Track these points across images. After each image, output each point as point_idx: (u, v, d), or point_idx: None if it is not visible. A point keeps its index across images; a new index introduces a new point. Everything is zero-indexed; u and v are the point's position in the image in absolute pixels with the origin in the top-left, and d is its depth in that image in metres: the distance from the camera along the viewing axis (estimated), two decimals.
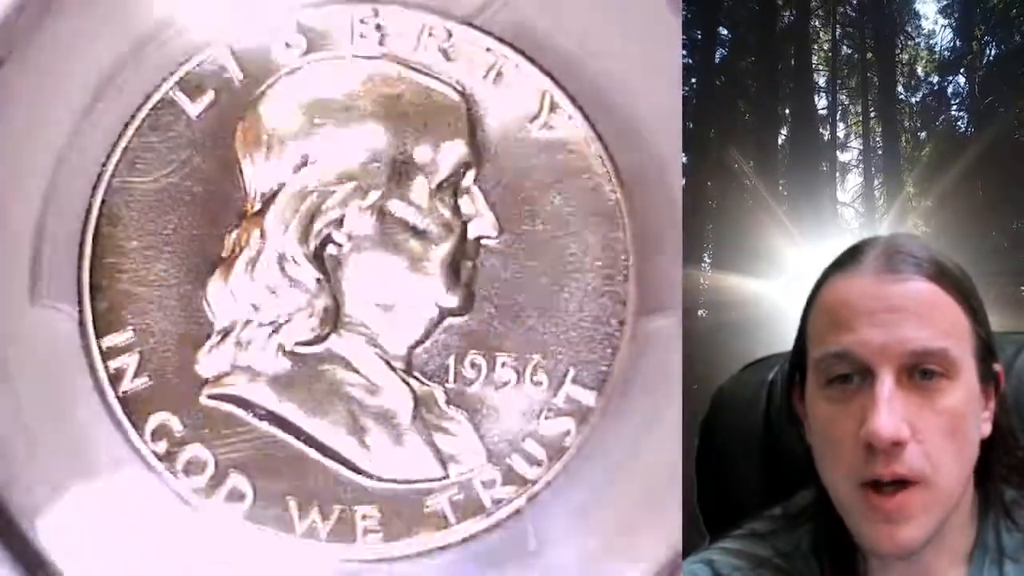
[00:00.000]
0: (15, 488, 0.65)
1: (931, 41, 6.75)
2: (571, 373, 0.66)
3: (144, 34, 0.56)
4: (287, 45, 0.58)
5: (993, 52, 6.48)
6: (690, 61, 6.08)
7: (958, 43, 6.61)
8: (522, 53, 0.57)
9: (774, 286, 5.26)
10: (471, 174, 0.63)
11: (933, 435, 0.77)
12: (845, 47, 7.04)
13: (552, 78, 0.57)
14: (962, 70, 6.61)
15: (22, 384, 0.64)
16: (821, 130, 6.85)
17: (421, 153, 0.62)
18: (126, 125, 0.59)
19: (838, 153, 6.97)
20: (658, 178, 0.58)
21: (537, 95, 0.58)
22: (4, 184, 0.59)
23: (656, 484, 0.64)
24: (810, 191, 6.33)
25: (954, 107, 6.68)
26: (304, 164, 0.65)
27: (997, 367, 0.84)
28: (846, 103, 7.10)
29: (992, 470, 0.84)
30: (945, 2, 6.63)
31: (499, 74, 0.58)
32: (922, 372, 0.78)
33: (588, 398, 0.67)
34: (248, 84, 0.60)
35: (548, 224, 0.64)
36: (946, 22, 6.65)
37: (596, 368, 0.66)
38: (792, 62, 6.65)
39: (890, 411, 0.76)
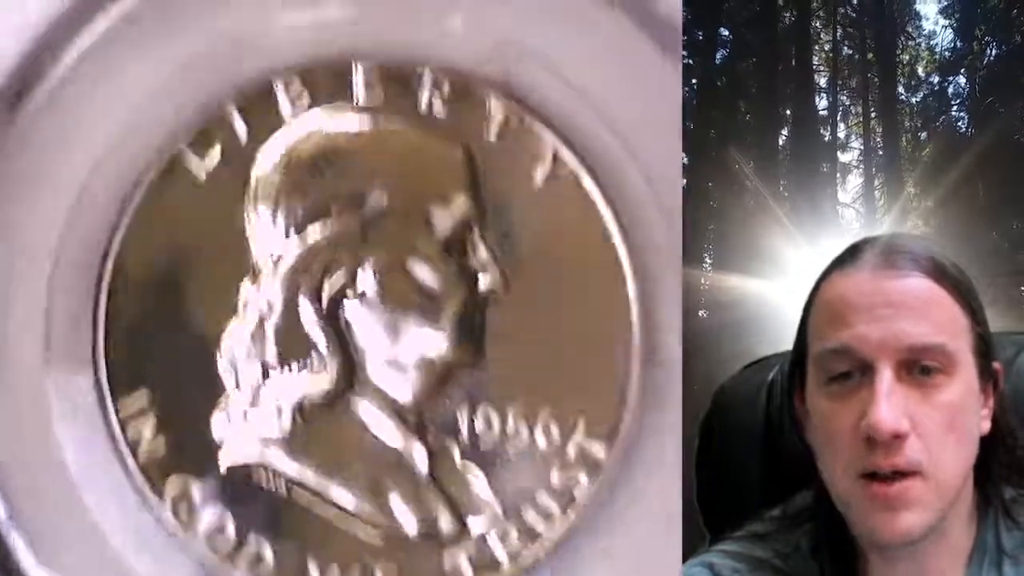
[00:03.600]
0: (28, 550, 0.65)
1: (932, 42, 6.75)
2: (581, 425, 0.67)
3: (156, 90, 0.56)
4: (291, 100, 0.58)
5: (994, 52, 6.48)
6: (690, 62, 6.08)
7: (959, 44, 6.61)
8: (524, 106, 0.57)
9: (775, 286, 5.26)
10: (476, 228, 0.63)
11: (932, 430, 0.78)
12: (846, 48, 7.04)
13: (555, 131, 0.57)
14: (963, 70, 6.61)
15: (36, 448, 0.64)
16: (822, 131, 6.85)
17: (426, 209, 0.63)
18: (136, 183, 0.59)
19: (839, 153, 6.97)
20: (661, 227, 0.58)
21: (540, 148, 0.58)
22: (14, 241, 0.59)
23: (657, 530, 0.64)
24: (811, 191, 6.33)
25: (955, 107, 6.68)
26: (310, 222, 0.65)
27: (996, 365, 0.84)
28: (847, 104, 7.10)
29: (992, 469, 0.84)
30: (946, 3, 6.63)
31: (501, 127, 0.58)
32: (921, 368, 0.79)
33: (599, 450, 0.67)
34: (253, 140, 0.60)
35: (554, 276, 0.64)
36: (947, 23, 6.66)
37: (605, 419, 0.66)
38: (793, 63, 6.65)
39: (890, 404, 0.76)
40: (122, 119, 0.56)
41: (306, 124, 0.60)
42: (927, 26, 6.77)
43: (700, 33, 6.18)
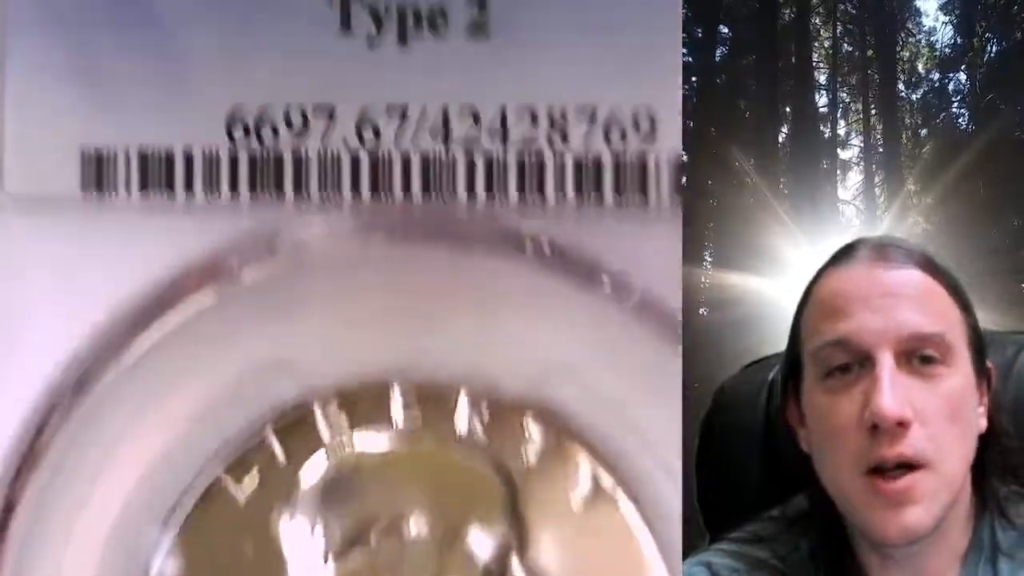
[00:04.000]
0: None
1: (932, 38, 6.77)
2: None
3: (197, 413, 0.56)
4: (329, 422, 0.58)
5: (994, 49, 6.49)
6: (690, 59, 6.09)
7: (959, 40, 6.62)
8: (563, 428, 0.57)
9: (775, 284, 5.28)
10: (516, 555, 0.62)
11: (936, 418, 0.77)
12: (846, 45, 7.06)
13: (593, 453, 0.57)
14: (963, 67, 6.62)
15: None
16: (822, 128, 6.87)
17: (466, 535, 0.62)
18: (175, 507, 0.59)
19: (839, 151, 6.99)
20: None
21: (578, 471, 0.58)
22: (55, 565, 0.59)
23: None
24: (811, 189, 6.35)
25: (955, 104, 6.70)
26: (350, 546, 0.64)
27: (989, 363, 0.84)
28: (847, 101, 7.12)
29: (987, 468, 0.84)
30: None
31: (540, 450, 0.58)
32: (921, 357, 0.78)
33: None
34: (292, 463, 0.60)
35: None
36: (947, 19, 6.67)
37: None
38: (793, 60, 6.67)
39: (893, 391, 0.76)
40: (162, 441, 0.57)
41: (345, 446, 0.60)
42: (927, 23, 6.79)
43: (700, 30, 6.20)
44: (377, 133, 0.52)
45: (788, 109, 6.60)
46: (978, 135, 6.06)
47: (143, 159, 0.51)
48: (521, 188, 0.52)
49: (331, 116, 0.51)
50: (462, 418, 0.58)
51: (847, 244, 0.85)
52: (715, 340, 4.79)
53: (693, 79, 6.07)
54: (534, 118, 0.52)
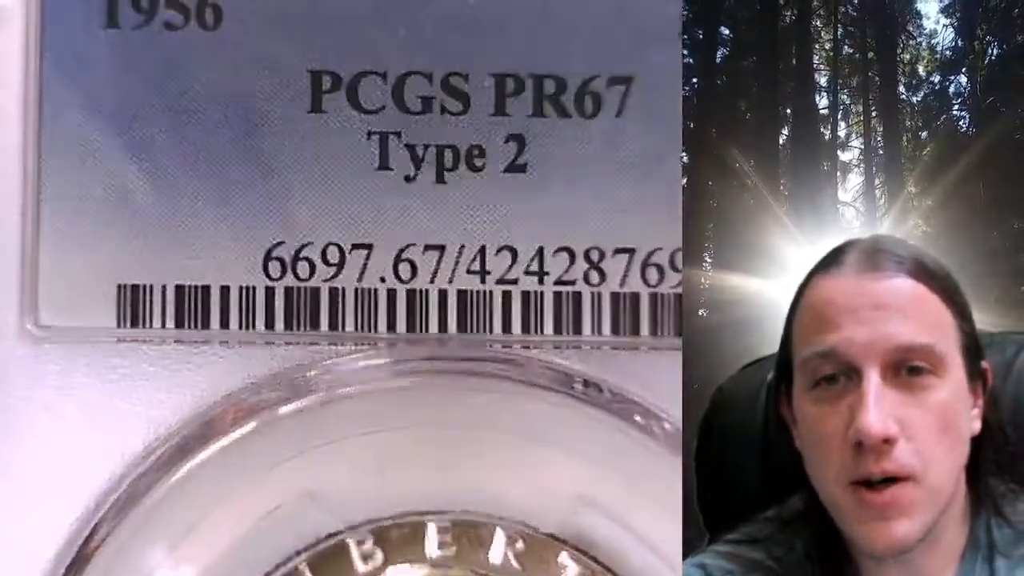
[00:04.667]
0: None
1: (932, 40, 6.76)
2: None
3: (230, 546, 0.57)
4: (363, 557, 0.59)
5: (995, 52, 6.49)
6: (691, 61, 6.08)
7: (960, 42, 6.62)
8: (597, 562, 0.58)
9: (775, 285, 5.27)
10: None
11: (923, 432, 0.77)
12: (846, 46, 7.06)
13: None
14: (964, 69, 6.62)
15: None
16: (822, 129, 6.87)
17: None
18: None
19: (839, 152, 6.99)
20: None
21: None
22: None
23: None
24: (811, 190, 6.35)
25: (955, 107, 6.69)
26: None
27: (984, 364, 0.84)
28: (847, 102, 7.12)
29: (982, 468, 0.84)
30: (946, 1, 6.64)
31: None
32: (909, 369, 0.78)
33: None
34: None
35: None
36: (948, 21, 6.67)
37: None
38: (793, 61, 6.67)
39: (878, 408, 0.76)
40: (196, 572, 0.57)
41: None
42: (928, 25, 6.78)
43: (700, 31, 6.19)
44: (415, 269, 0.52)
45: (789, 111, 6.59)
46: (979, 138, 6.06)
47: (179, 293, 0.52)
48: (557, 326, 0.52)
49: (369, 253, 0.52)
50: (497, 552, 0.58)
51: (836, 247, 0.84)
52: (715, 340, 4.79)
53: (694, 80, 6.07)
54: (572, 256, 0.52)
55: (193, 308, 0.52)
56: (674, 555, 0.56)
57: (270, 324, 0.52)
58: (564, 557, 0.57)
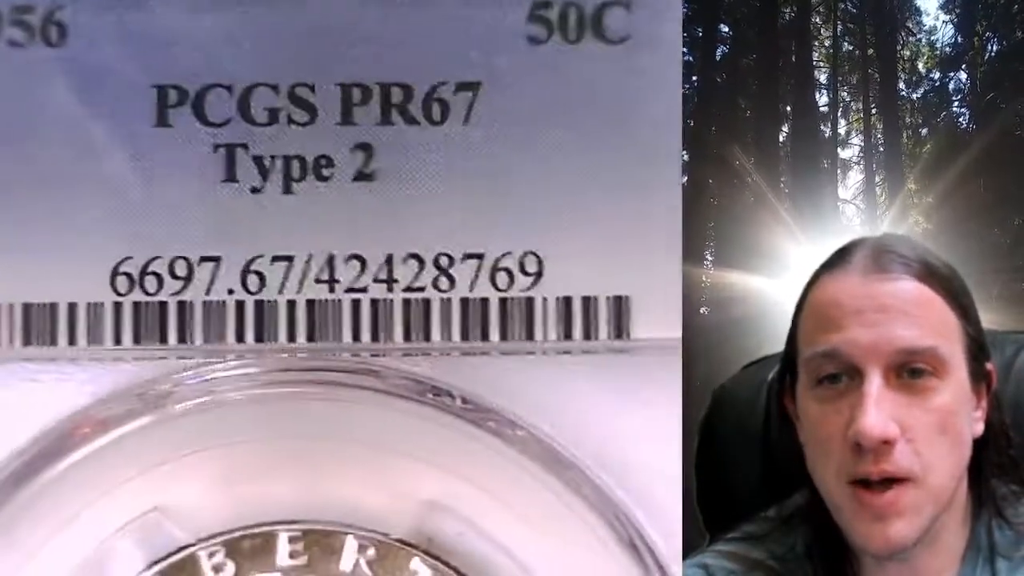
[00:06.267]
0: None
1: (932, 37, 6.75)
2: None
3: (77, 563, 0.57)
4: (214, 569, 0.59)
5: (994, 48, 6.48)
6: (691, 58, 6.08)
7: (959, 39, 6.61)
8: (449, 567, 0.57)
9: (775, 283, 5.27)
10: None
11: (924, 434, 0.77)
12: (846, 44, 7.05)
13: None
14: (963, 66, 6.61)
15: None
16: (822, 127, 6.86)
17: None
18: None
19: (839, 150, 6.99)
20: None
21: None
22: None
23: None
24: (811, 188, 6.34)
25: (955, 103, 6.68)
26: None
27: (989, 366, 0.83)
28: (847, 100, 7.11)
29: (984, 470, 0.84)
30: None
31: None
32: (911, 371, 0.78)
33: None
34: None
35: None
36: (947, 18, 6.66)
37: None
38: (793, 59, 6.66)
39: (878, 410, 0.76)
40: None
41: None
42: (928, 22, 6.78)
43: (700, 29, 6.18)
44: (263, 281, 0.52)
45: (789, 108, 6.59)
46: (979, 134, 6.05)
47: (26, 311, 0.51)
48: (407, 333, 0.52)
49: (217, 265, 0.51)
50: (348, 560, 0.58)
51: (844, 247, 0.84)
52: (715, 340, 4.79)
53: (694, 78, 6.06)
54: (421, 263, 0.52)
55: (40, 325, 0.52)
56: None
57: (118, 339, 0.52)
58: (416, 563, 0.56)
